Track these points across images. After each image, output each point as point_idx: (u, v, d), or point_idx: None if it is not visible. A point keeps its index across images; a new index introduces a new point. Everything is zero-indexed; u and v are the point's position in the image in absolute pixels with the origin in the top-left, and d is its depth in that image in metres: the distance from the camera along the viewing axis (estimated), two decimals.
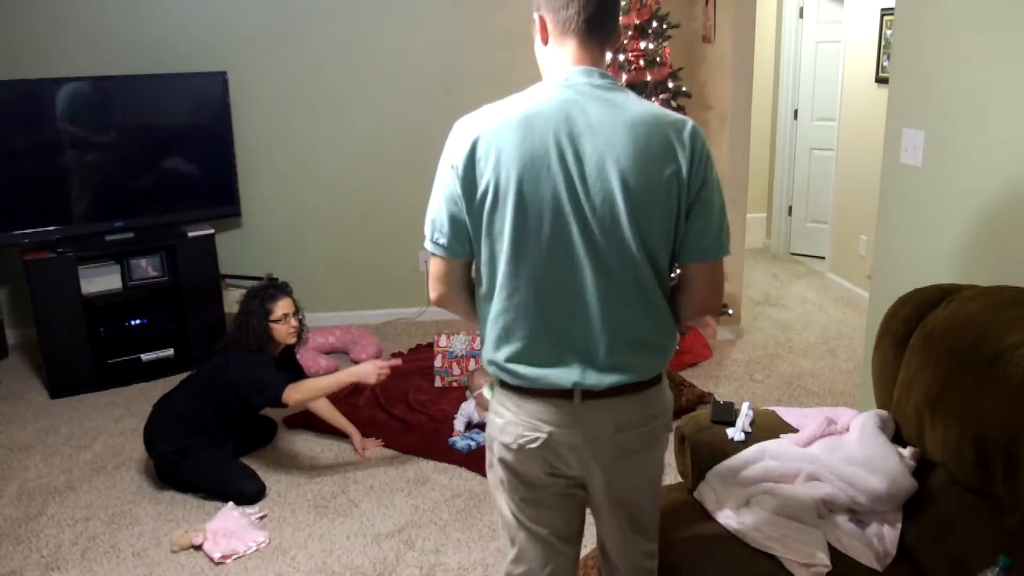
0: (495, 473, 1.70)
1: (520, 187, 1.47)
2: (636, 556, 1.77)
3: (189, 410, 3.18)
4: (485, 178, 1.48)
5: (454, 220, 1.55)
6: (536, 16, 1.59)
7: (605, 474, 1.62)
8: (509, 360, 1.57)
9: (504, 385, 1.62)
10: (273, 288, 3.29)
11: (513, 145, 1.47)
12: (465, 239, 1.57)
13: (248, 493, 3.10)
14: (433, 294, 1.67)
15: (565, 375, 1.54)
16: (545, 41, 1.59)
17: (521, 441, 1.60)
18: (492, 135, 1.48)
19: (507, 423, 1.61)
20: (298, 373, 3.45)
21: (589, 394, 1.56)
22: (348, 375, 3.13)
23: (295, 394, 3.08)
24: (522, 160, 1.46)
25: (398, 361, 3.32)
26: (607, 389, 1.55)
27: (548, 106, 1.49)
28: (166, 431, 3.16)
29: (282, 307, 3.24)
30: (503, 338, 1.57)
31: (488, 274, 1.56)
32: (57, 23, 4.29)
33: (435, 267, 1.63)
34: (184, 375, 3.40)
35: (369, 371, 3.11)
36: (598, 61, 1.56)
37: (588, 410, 1.57)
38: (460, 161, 1.50)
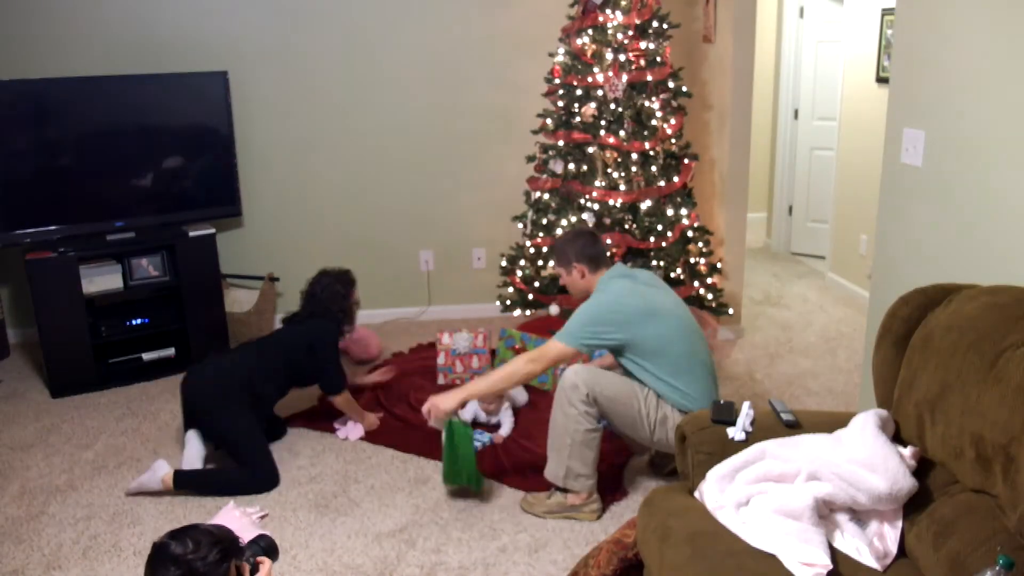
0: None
1: None
2: None
3: (262, 371, 3.33)
4: None
5: None
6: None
7: None
8: None
9: None
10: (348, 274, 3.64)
11: None
12: None
13: (270, 476, 3.18)
14: None
15: None
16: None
17: None
18: None
19: None
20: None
21: None
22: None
23: (345, 398, 3.49)
24: None
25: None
26: None
27: None
28: (228, 388, 3.26)
29: (358, 293, 3.65)
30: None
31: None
32: (57, 23, 4.30)
33: None
34: (181, 375, 3.40)
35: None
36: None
37: None
38: None
